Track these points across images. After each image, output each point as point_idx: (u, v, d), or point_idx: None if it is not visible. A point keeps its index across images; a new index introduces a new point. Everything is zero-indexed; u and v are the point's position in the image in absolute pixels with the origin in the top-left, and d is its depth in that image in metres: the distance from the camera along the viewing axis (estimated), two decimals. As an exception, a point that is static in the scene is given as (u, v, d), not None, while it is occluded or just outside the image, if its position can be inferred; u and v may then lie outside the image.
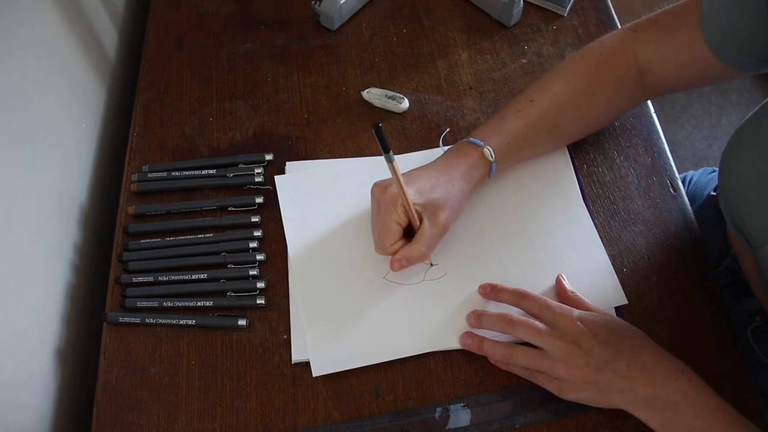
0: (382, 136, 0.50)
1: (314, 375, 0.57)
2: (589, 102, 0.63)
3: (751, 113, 0.55)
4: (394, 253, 0.59)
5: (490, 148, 0.61)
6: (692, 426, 0.50)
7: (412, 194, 0.57)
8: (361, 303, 0.61)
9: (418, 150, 0.70)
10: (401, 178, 0.54)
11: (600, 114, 0.66)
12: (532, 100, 0.63)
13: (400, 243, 0.59)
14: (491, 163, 0.61)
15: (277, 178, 0.68)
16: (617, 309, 0.61)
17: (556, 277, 0.61)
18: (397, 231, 0.58)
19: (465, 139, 0.62)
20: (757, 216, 0.53)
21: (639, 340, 0.54)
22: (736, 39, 0.54)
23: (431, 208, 0.58)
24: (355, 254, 0.63)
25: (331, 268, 0.63)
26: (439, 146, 0.70)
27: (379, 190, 0.59)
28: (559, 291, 0.60)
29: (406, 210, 0.57)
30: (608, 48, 0.63)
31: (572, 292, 0.59)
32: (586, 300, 0.59)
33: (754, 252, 0.55)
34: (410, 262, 0.58)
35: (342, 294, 0.61)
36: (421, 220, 0.58)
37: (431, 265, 0.63)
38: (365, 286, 0.62)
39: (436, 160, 0.62)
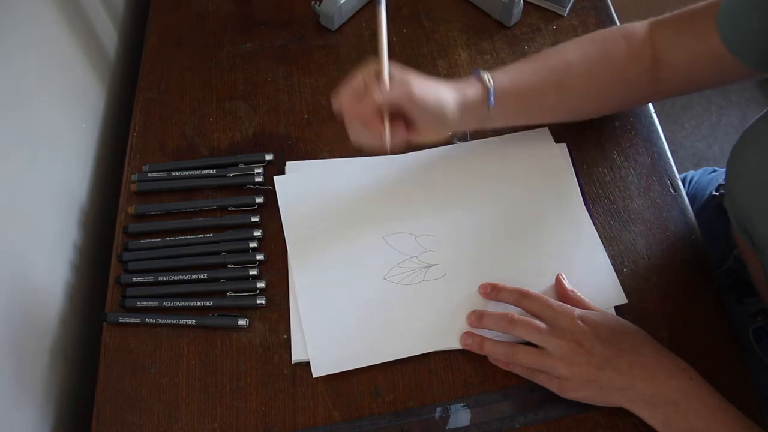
0: None
1: (314, 375, 0.57)
2: (601, 67, 0.62)
3: (757, 116, 0.55)
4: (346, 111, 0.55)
5: (489, 75, 0.59)
6: (693, 424, 0.50)
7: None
8: (361, 303, 0.61)
9: (418, 150, 0.70)
10: (383, 25, 0.52)
11: (607, 87, 0.64)
12: (542, 54, 0.63)
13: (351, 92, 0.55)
14: (489, 88, 0.59)
15: (276, 178, 0.68)
16: (617, 309, 0.61)
17: (555, 276, 0.61)
18: (359, 83, 0.54)
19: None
20: (764, 217, 0.52)
21: (640, 339, 0.54)
22: (748, 30, 0.54)
23: (406, 76, 0.55)
24: (355, 254, 0.63)
25: (331, 268, 0.63)
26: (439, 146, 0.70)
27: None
28: (559, 290, 0.60)
29: (378, 71, 0.54)
30: (629, 28, 0.63)
31: (572, 292, 0.59)
32: (586, 299, 0.59)
33: (760, 254, 0.54)
34: (361, 103, 0.54)
35: (342, 294, 0.61)
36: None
37: (429, 267, 0.63)
38: (365, 286, 0.62)
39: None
